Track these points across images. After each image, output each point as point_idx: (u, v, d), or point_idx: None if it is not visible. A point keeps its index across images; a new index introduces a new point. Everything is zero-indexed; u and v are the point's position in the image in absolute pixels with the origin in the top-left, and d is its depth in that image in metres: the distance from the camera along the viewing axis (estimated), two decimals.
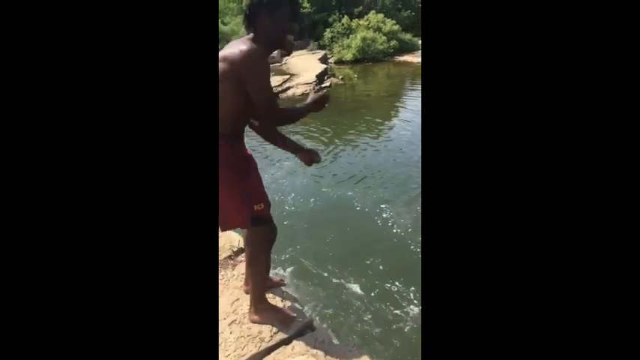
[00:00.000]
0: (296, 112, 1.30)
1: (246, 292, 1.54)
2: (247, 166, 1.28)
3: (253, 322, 1.39)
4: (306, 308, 1.87)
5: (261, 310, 1.38)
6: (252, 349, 1.29)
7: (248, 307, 1.45)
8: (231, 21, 16.18)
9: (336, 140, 5.19)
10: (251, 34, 1.15)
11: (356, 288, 2.30)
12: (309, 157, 1.41)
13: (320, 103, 1.30)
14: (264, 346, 1.30)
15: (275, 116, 1.21)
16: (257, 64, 1.09)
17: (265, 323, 1.37)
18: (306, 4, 15.03)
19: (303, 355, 1.25)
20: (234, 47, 1.11)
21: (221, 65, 1.10)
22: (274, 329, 1.35)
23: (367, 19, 13.02)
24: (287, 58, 12.73)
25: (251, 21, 1.13)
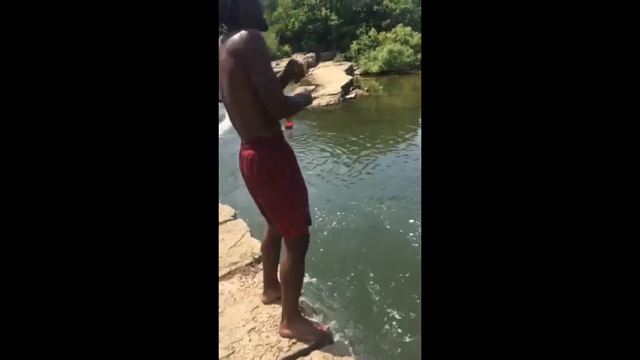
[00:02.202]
0: (296, 99, 1.19)
1: (265, 302, 1.54)
2: (298, 168, 1.23)
3: (284, 335, 1.35)
4: (322, 319, 1.84)
5: (294, 323, 1.34)
6: (270, 358, 1.28)
7: (267, 317, 1.45)
8: None
9: (362, 152, 5.17)
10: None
11: (378, 303, 2.25)
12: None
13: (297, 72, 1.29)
14: (282, 355, 1.29)
15: (278, 103, 1.05)
16: (258, 45, 1.01)
17: (297, 337, 1.34)
18: (334, 17, 15.25)
19: None
20: (232, 39, 1.02)
21: (229, 62, 1.04)
22: (293, 339, 1.34)
23: (395, 32, 13.04)
24: (313, 69, 12.89)
25: (232, 13, 1.08)
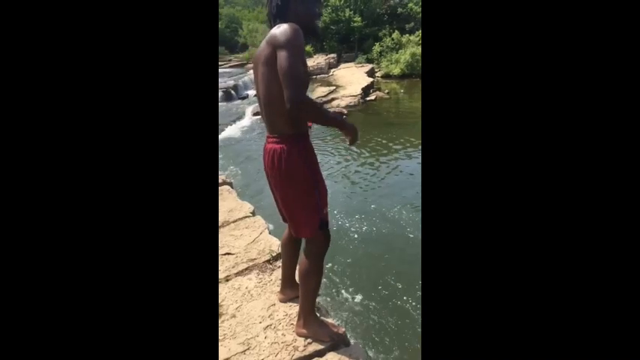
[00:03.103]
0: (326, 113, 1.06)
1: (281, 301, 1.54)
2: (319, 169, 1.22)
3: (300, 335, 1.35)
4: (339, 322, 1.83)
5: (310, 323, 1.34)
6: (285, 357, 1.28)
7: (284, 315, 1.45)
8: None
9: (382, 155, 5.13)
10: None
11: (397, 308, 2.23)
12: (354, 134, 1.16)
13: (354, 135, 1.15)
14: (297, 355, 1.29)
15: (298, 101, 0.96)
16: (291, 35, 0.99)
17: (313, 337, 1.33)
18: (357, 19, 15.20)
19: None
20: (271, 31, 1.04)
21: (265, 51, 1.04)
22: (309, 339, 1.33)
23: (418, 35, 12.91)
24: (334, 70, 12.88)
25: (281, 11, 1.10)
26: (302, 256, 1.26)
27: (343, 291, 2.42)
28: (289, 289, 1.53)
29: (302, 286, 1.29)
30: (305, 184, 1.15)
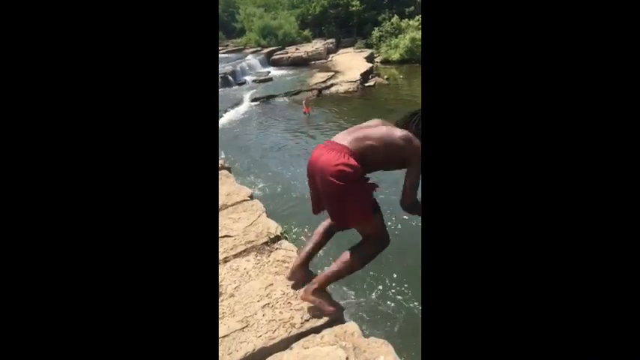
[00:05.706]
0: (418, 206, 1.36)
1: (288, 278, 1.56)
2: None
3: (305, 299, 1.41)
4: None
5: (320, 294, 1.40)
6: (283, 333, 1.31)
7: (281, 294, 1.48)
8: (279, 15, 16.41)
9: None
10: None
11: (392, 288, 2.27)
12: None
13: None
14: (294, 332, 1.32)
15: (410, 202, 1.33)
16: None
17: (317, 306, 1.39)
18: (356, 2, 14.95)
19: (332, 345, 1.26)
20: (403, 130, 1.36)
21: (395, 132, 1.33)
22: (305, 316, 1.37)
23: (418, 20, 12.72)
24: (333, 55, 12.73)
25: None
26: (357, 246, 1.38)
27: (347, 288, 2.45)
28: (301, 273, 1.54)
29: (340, 264, 1.38)
30: (356, 192, 1.30)
